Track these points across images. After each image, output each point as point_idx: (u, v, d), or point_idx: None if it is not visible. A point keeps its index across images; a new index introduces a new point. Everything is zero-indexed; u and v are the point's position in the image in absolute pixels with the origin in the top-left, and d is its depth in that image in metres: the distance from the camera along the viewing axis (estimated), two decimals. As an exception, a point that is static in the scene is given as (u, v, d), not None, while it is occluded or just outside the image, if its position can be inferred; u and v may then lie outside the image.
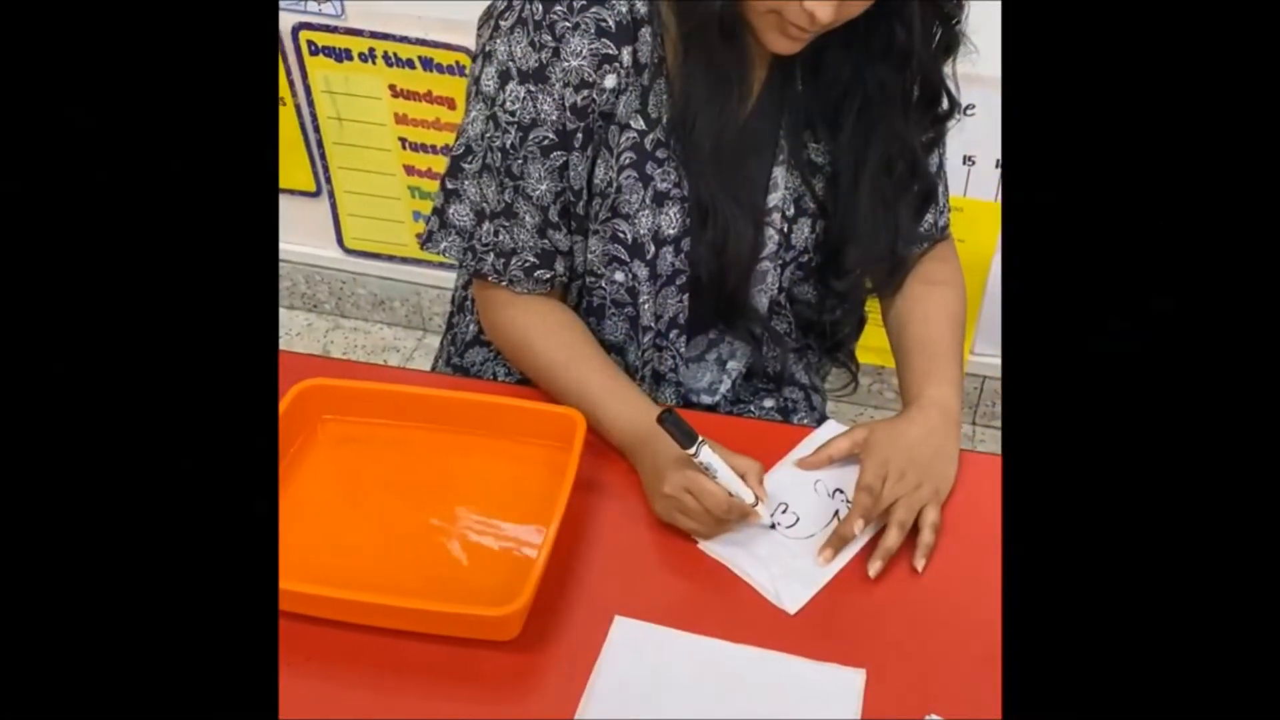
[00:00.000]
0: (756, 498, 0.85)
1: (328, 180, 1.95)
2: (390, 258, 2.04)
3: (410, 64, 1.75)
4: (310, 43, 1.77)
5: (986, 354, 1.83)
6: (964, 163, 1.59)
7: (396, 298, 2.12)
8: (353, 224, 2.01)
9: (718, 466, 0.83)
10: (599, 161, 0.93)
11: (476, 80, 0.93)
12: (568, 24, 0.87)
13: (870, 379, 1.92)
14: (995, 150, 1.57)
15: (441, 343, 1.21)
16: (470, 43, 1.70)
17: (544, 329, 0.98)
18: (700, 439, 0.83)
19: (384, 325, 2.16)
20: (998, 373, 1.86)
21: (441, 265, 2.03)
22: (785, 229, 1.00)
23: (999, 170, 1.60)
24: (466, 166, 0.96)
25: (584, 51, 0.88)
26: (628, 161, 0.93)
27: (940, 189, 1.05)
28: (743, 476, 0.85)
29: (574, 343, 0.98)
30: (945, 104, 0.97)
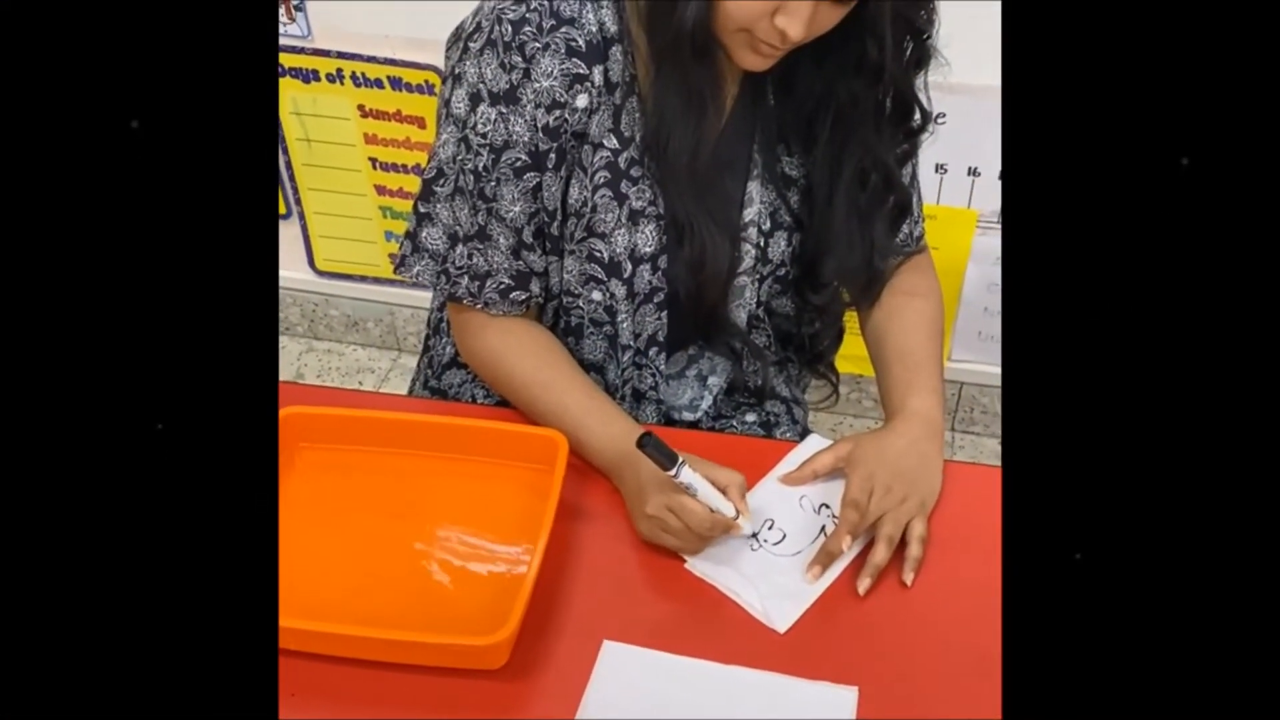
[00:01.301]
0: (738, 511, 0.85)
1: (297, 202, 1.93)
2: (363, 278, 2.03)
3: (379, 83, 1.74)
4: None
5: (963, 360, 1.83)
6: (936, 170, 1.60)
7: (370, 318, 2.10)
8: (324, 245, 1.99)
9: (698, 485, 0.83)
10: (573, 181, 0.93)
11: (447, 103, 0.93)
12: (537, 44, 0.87)
13: (849, 388, 1.92)
14: (967, 158, 1.58)
15: (418, 365, 1.20)
16: (439, 61, 1.70)
17: (521, 351, 0.97)
18: (681, 460, 0.82)
19: (358, 346, 2.14)
20: (975, 379, 1.87)
21: (416, 284, 2.01)
22: (762, 243, 1.00)
23: (971, 178, 1.60)
24: (438, 189, 0.95)
25: (555, 72, 0.87)
26: (602, 181, 0.92)
27: (914, 200, 1.05)
28: (724, 490, 0.85)
29: (552, 363, 0.97)
30: (918, 117, 0.97)
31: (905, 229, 1.05)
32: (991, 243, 1.67)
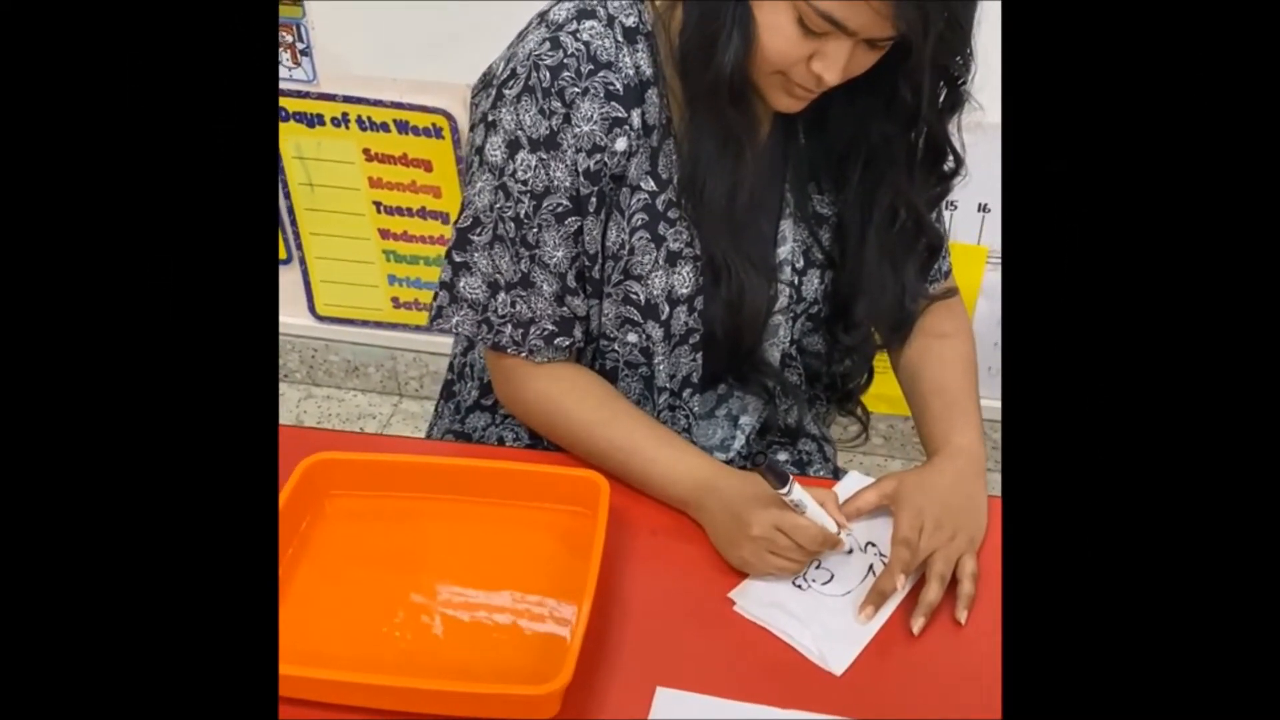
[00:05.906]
0: (838, 525, 0.86)
1: (299, 247, 1.92)
2: (364, 323, 2.01)
3: (385, 127, 1.74)
4: (281, 109, 1.75)
5: (969, 395, 1.84)
6: (946, 207, 1.60)
7: (371, 363, 2.08)
8: (325, 290, 1.98)
9: (807, 502, 0.84)
10: (610, 224, 0.92)
11: (480, 150, 0.92)
12: (577, 89, 0.87)
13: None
14: (977, 194, 1.60)
15: (437, 409, 1.19)
16: (447, 104, 1.70)
17: (576, 394, 0.96)
18: (790, 478, 0.83)
19: (358, 392, 2.13)
20: (986, 415, 1.84)
21: (419, 329, 2.00)
22: (795, 281, 1.00)
23: (981, 214, 1.62)
24: (475, 238, 0.94)
25: (595, 116, 0.87)
26: (640, 223, 0.92)
27: (944, 240, 1.06)
28: (822, 504, 0.86)
29: (609, 401, 0.96)
30: (951, 162, 0.97)
31: (935, 266, 1.06)
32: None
